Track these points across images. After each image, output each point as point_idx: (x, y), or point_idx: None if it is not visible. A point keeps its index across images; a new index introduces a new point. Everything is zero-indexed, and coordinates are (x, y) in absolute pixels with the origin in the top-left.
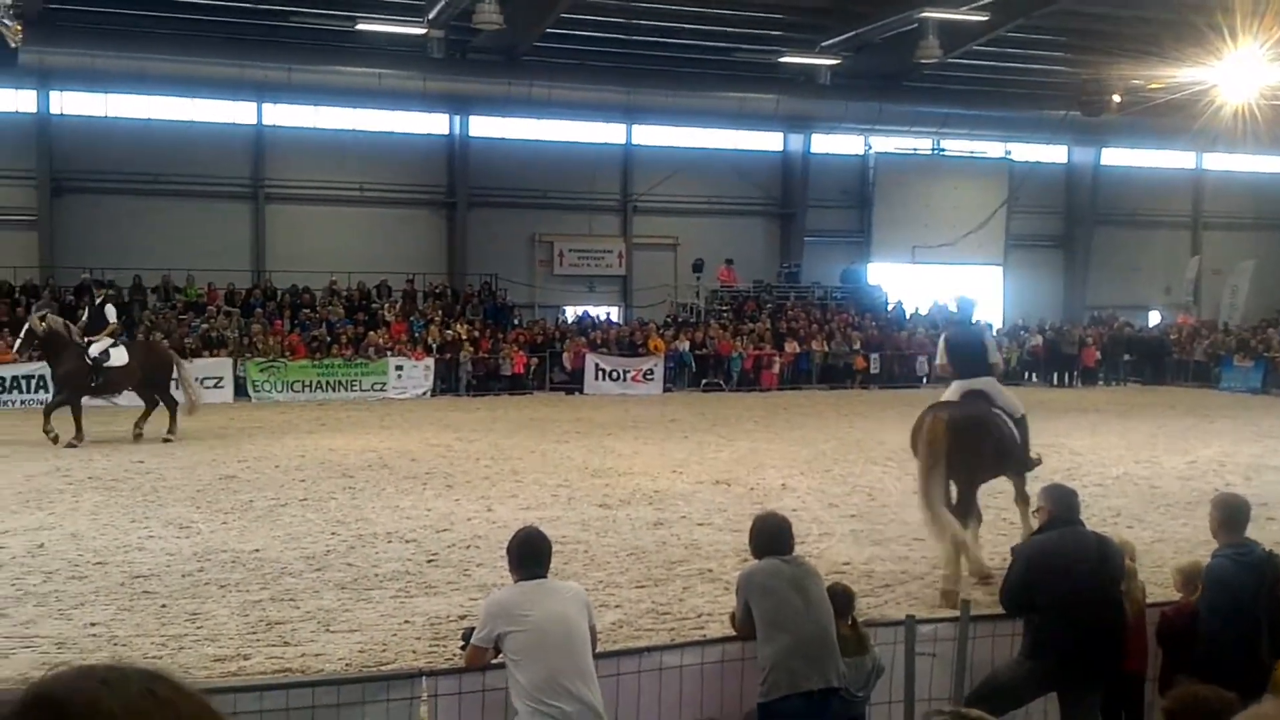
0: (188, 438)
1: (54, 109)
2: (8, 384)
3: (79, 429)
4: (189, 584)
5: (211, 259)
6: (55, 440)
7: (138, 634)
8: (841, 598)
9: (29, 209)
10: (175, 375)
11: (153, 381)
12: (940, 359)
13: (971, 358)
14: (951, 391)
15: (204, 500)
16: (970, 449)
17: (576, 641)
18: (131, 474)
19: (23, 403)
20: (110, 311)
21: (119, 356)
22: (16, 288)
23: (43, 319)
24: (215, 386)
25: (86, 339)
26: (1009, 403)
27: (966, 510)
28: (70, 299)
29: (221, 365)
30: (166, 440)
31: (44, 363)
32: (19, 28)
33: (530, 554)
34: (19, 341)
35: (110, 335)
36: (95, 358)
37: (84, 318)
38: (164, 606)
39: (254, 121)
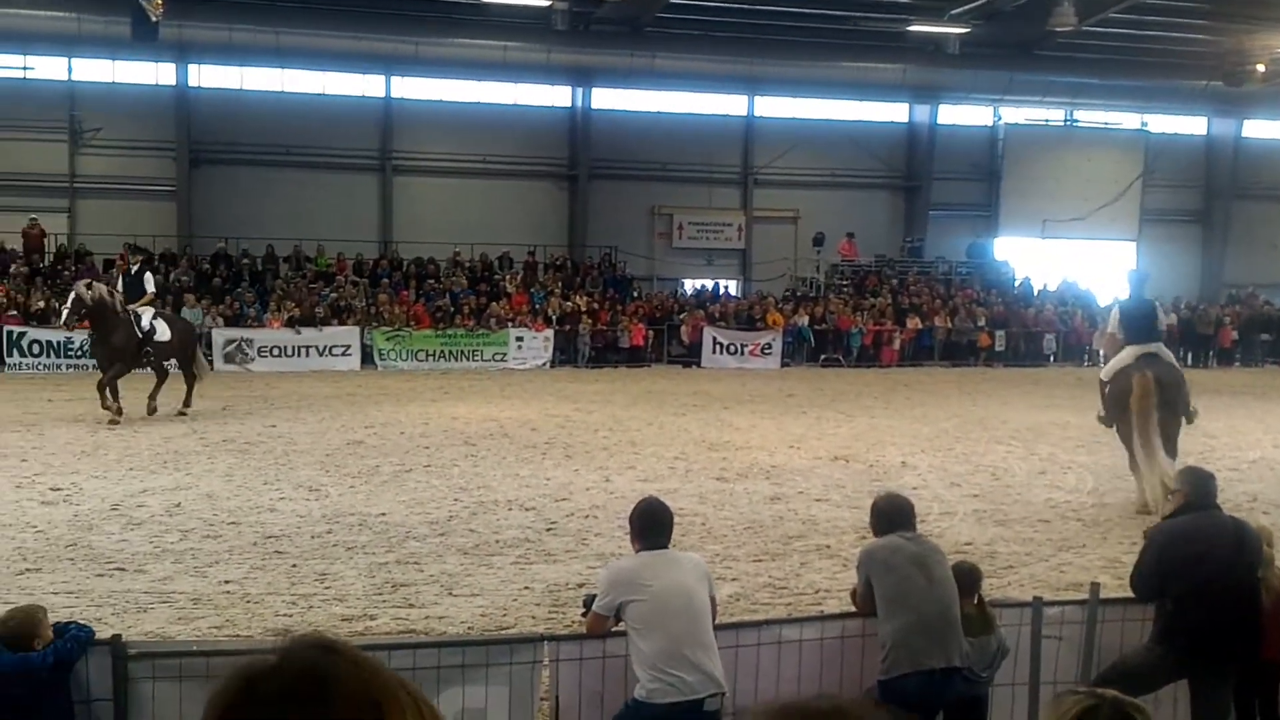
0: (317, 402)
1: (192, 82)
2: None
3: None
4: (318, 545)
5: (340, 230)
6: (119, 414)
7: (269, 592)
8: (968, 576)
9: (168, 179)
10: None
11: (186, 354)
12: (1111, 328)
13: (1145, 325)
14: (1128, 354)
15: (332, 464)
16: (1173, 401)
17: (697, 612)
18: (264, 438)
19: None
20: (149, 280)
21: (163, 330)
22: (156, 255)
23: (89, 286)
24: (343, 354)
25: (129, 308)
26: (1175, 362)
27: (1171, 453)
28: (206, 267)
29: (349, 334)
30: (181, 414)
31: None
32: (160, 2)
33: (652, 524)
34: (65, 312)
35: (148, 304)
36: (145, 330)
37: (120, 286)
38: (294, 566)
39: (382, 94)
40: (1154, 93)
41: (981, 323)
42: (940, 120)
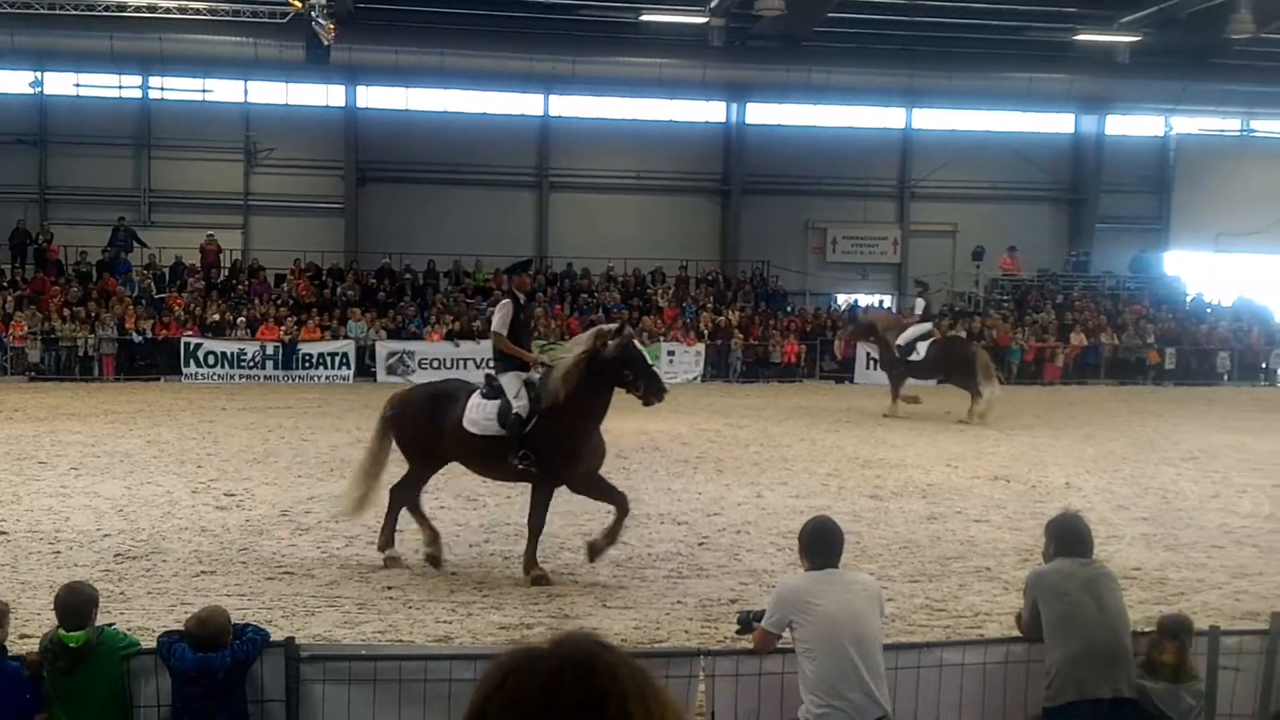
0: None
1: (360, 103)
2: (314, 360)
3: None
4: (476, 554)
5: (498, 245)
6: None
7: (430, 599)
8: (1176, 624)
9: (337, 197)
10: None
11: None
12: None
13: None
14: None
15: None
16: None
17: (866, 636)
18: None
19: (326, 378)
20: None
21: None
22: (324, 270)
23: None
24: None
25: None
26: None
27: None
28: (372, 281)
29: None
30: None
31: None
32: (332, 27)
33: (821, 543)
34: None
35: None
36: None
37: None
38: (453, 574)
39: (540, 113)
40: None
41: (1150, 339)
42: (1108, 131)
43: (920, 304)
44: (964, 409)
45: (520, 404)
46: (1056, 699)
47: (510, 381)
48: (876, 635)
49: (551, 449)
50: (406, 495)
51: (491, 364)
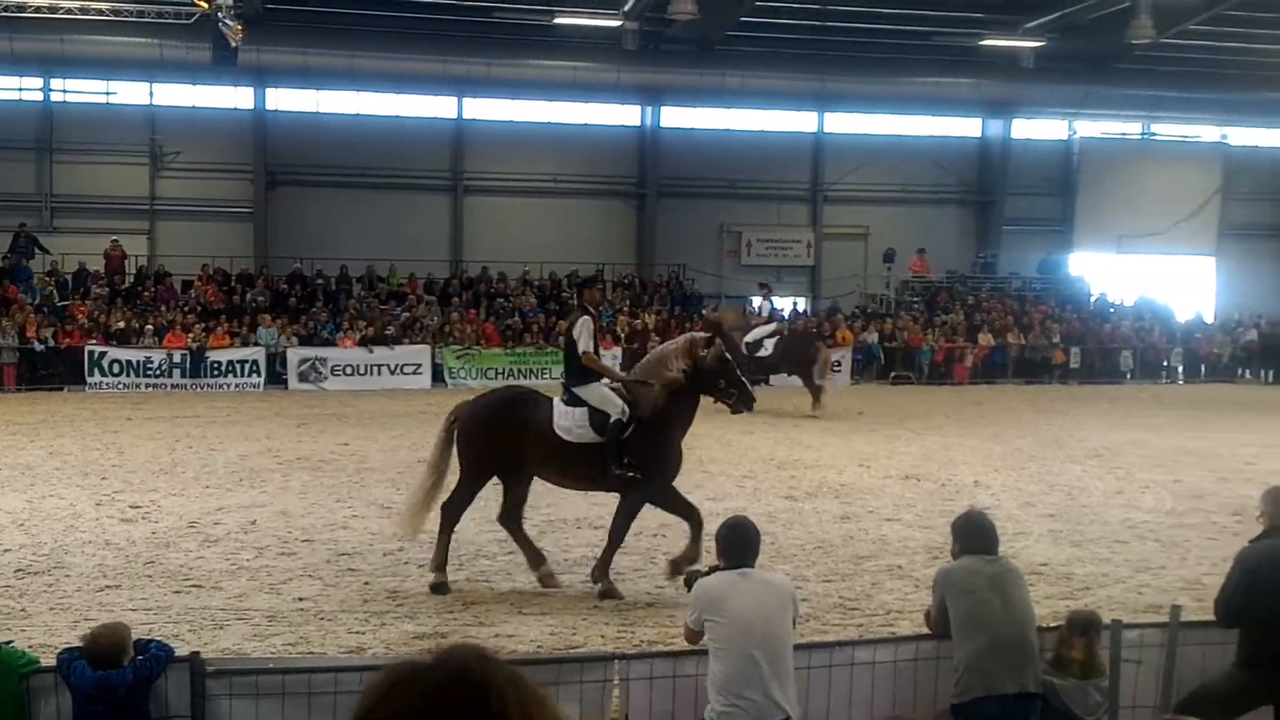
0: (389, 420)
1: (269, 105)
2: (223, 368)
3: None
4: (390, 563)
5: (412, 249)
6: None
7: (342, 609)
8: (1084, 621)
9: (246, 201)
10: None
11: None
12: None
13: None
14: None
15: (404, 482)
16: None
17: (775, 636)
18: (337, 456)
19: (236, 386)
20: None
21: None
22: (233, 275)
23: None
24: (415, 373)
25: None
26: None
27: None
28: (283, 287)
29: (420, 352)
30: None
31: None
32: (240, 28)
33: (738, 544)
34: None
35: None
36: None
37: None
38: (367, 584)
39: (454, 116)
40: (1234, 105)
41: (1056, 339)
42: (1014, 134)
43: (764, 304)
44: (866, 408)
45: (619, 412)
46: (964, 695)
47: (599, 391)
48: (786, 637)
49: (648, 457)
50: (456, 511)
51: (567, 378)
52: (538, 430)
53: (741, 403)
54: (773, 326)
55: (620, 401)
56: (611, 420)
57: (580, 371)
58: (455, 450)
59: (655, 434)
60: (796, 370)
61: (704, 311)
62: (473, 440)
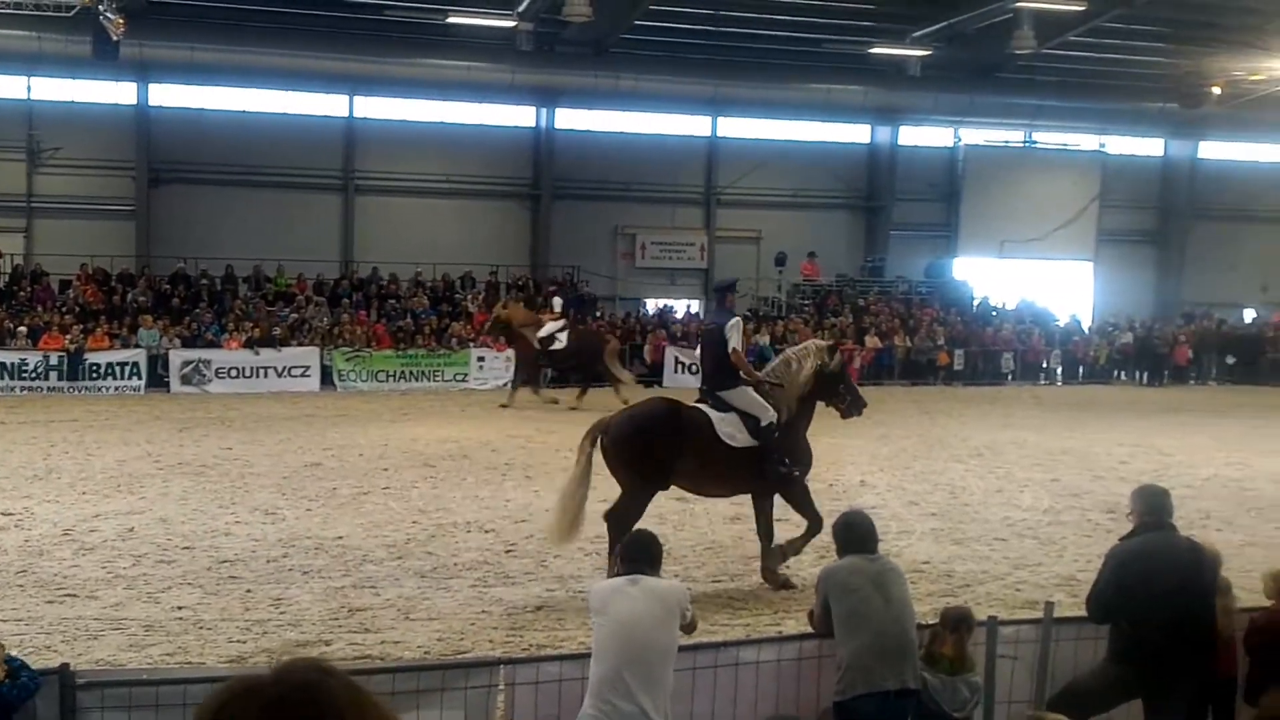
0: (275, 424)
1: (153, 101)
2: (103, 370)
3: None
4: (273, 570)
5: (302, 249)
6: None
7: (223, 618)
8: (955, 618)
9: (127, 199)
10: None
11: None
12: None
13: None
14: None
15: (289, 487)
16: None
17: (653, 644)
18: (220, 461)
19: (116, 389)
20: None
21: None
22: (114, 275)
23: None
24: (303, 375)
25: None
26: None
27: None
28: (165, 287)
29: (309, 354)
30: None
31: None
32: (121, 21)
33: (633, 551)
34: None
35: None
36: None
37: None
38: (249, 592)
39: (345, 114)
40: (1112, 114)
41: (941, 342)
42: (901, 141)
43: (557, 301)
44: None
45: (770, 416)
46: (846, 692)
47: (746, 395)
48: (665, 645)
49: (794, 455)
50: (626, 526)
51: (713, 382)
52: (701, 438)
53: (853, 407)
54: (563, 321)
55: (765, 404)
56: (764, 424)
57: (728, 375)
58: (607, 465)
59: (792, 433)
60: (589, 362)
61: (494, 308)
62: (637, 453)
